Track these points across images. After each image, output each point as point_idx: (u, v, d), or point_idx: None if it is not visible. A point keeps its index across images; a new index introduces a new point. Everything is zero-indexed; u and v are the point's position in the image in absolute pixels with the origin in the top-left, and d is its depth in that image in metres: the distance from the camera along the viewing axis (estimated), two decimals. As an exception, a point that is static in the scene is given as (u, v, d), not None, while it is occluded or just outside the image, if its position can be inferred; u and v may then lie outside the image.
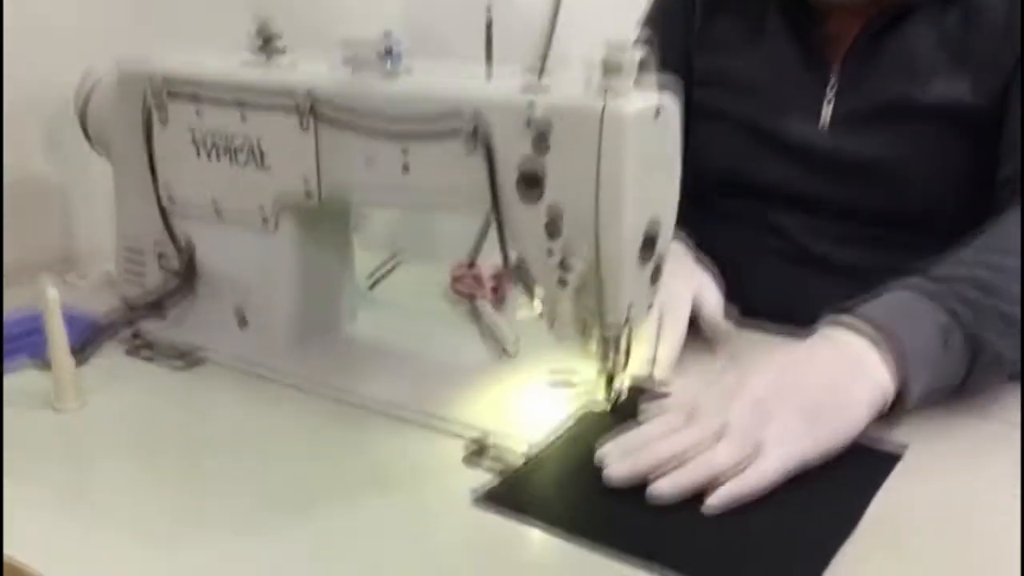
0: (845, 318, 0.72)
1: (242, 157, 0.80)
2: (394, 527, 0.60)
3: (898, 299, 0.74)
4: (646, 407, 0.70)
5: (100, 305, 0.90)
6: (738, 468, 0.62)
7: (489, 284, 0.82)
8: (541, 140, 0.65)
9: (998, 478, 0.65)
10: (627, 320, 0.68)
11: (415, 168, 0.72)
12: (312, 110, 0.75)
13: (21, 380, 0.77)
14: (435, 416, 0.71)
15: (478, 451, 0.67)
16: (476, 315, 0.79)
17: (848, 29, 0.95)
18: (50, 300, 0.72)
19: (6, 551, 0.57)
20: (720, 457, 0.62)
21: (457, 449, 0.68)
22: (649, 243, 0.67)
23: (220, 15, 0.87)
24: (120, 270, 0.93)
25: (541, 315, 0.70)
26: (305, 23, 1.20)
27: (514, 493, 0.62)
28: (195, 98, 0.81)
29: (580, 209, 0.65)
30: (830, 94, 0.96)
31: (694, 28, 1.05)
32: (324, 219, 0.82)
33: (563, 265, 0.66)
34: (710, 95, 1.04)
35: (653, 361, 0.77)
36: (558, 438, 0.69)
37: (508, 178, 0.67)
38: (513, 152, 0.66)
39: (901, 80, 0.93)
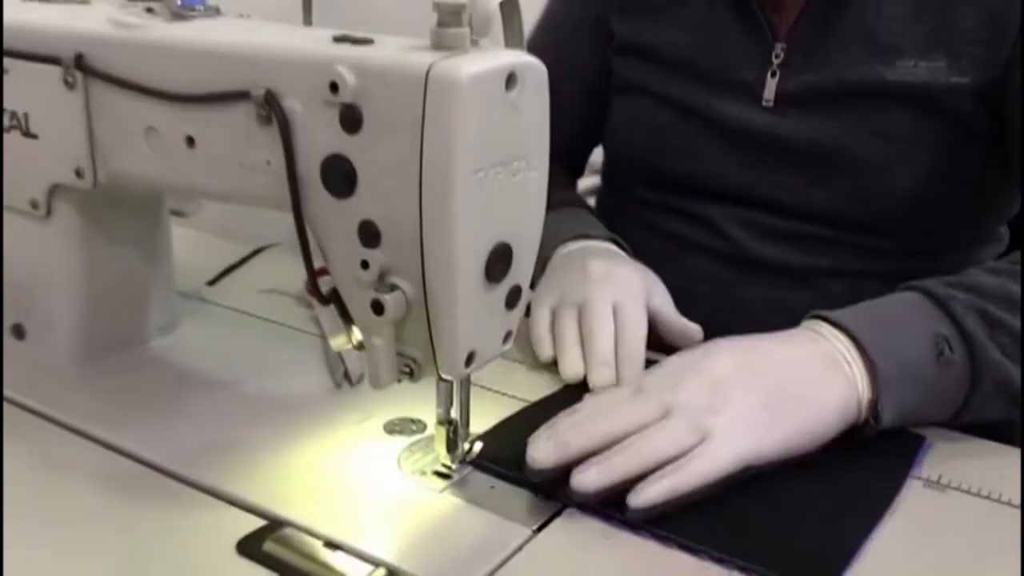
0: (832, 313, 0.63)
1: (5, 122, 0.62)
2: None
3: (894, 300, 0.65)
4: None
5: None
6: (679, 456, 0.53)
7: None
8: (351, 115, 0.47)
9: None
10: (470, 359, 0.50)
11: (202, 143, 0.54)
12: (80, 63, 0.57)
13: None
14: (216, 491, 0.54)
15: (257, 536, 0.49)
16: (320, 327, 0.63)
17: None
18: None
19: None
20: (659, 443, 0.54)
21: (237, 532, 0.50)
22: (501, 258, 0.49)
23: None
24: None
25: (358, 347, 0.52)
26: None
27: None
28: (-50, 44, 0.63)
29: (400, 210, 0.47)
30: (775, 66, 0.80)
31: None
32: (117, 205, 0.64)
33: (382, 284, 0.49)
34: (629, 65, 0.88)
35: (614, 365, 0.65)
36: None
37: (311, 162, 0.49)
38: (317, 128, 0.48)
39: (863, 53, 0.77)
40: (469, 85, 0.44)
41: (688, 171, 0.85)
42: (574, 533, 0.51)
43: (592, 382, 0.63)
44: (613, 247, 0.80)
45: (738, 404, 0.57)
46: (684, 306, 0.84)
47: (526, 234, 0.51)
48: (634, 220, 0.91)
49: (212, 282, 0.83)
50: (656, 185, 0.89)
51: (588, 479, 0.52)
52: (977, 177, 0.79)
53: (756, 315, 0.76)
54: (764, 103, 0.81)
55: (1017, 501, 0.55)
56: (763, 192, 0.83)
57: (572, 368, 0.65)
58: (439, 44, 0.46)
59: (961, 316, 0.62)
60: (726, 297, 0.85)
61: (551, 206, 0.80)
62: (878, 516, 0.53)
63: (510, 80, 0.47)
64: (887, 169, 0.78)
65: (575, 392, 0.63)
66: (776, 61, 0.80)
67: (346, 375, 0.65)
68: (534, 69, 0.48)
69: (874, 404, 0.60)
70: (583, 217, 0.86)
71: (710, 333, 0.69)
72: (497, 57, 0.47)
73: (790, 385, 0.59)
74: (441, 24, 0.46)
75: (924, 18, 0.76)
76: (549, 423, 0.56)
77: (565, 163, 0.97)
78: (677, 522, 0.51)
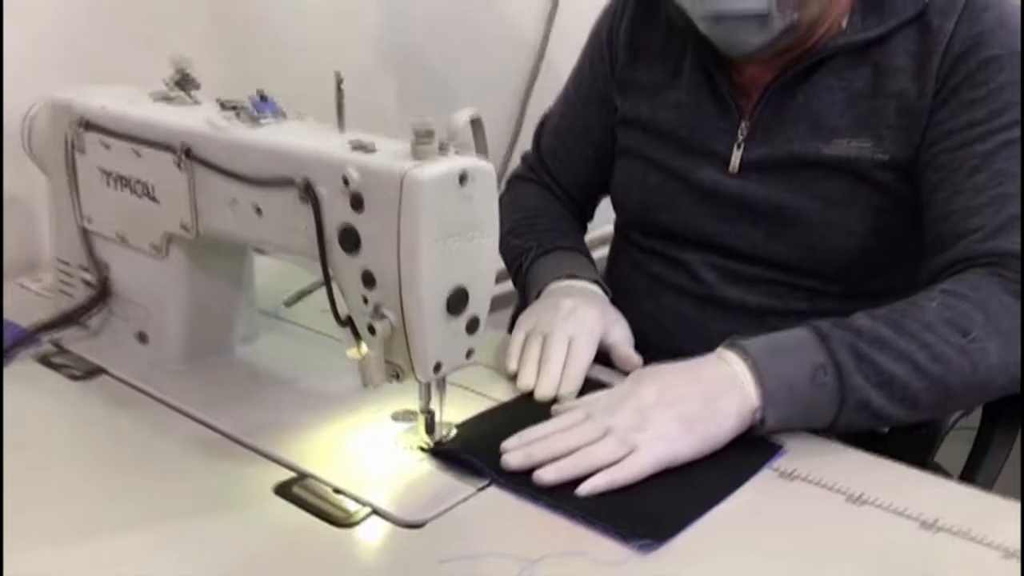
0: (739, 341, 0.81)
1: (139, 189, 0.87)
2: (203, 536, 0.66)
3: (792, 334, 0.81)
4: (557, 407, 0.83)
5: (43, 309, 0.99)
6: (614, 462, 0.72)
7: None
8: (357, 200, 0.70)
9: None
10: (438, 368, 0.72)
11: (266, 212, 0.77)
12: (188, 153, 0.81)
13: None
14: (264, 451, 0.77)
15: (288, 484, 0.73)
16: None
17: (760, 78, 0.98)
18: (-56, 316, 0.80)
19: None
20: (600, 453, 0.73)
21: (276, 479, 0.73)
22: (459, 298, 0.71)
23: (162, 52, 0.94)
24: (55, 281, 1.01)
25: (363, 357, 0.75)
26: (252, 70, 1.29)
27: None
28: (103, 134, 0.89)
29: (387, 266, 0.69)
30: (740, 139, 0.99)
31: (617, 70, 1.08)
32: (213, 248, 0.89)
33: (375, 314, 0.71)
34: (628, 136, 1.08)
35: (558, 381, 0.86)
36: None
37: (333, 230, 0.72)
38: (336, 207, 0.72)
39: (807, 132, 0.95)
40: (429, 185, 0.67)
41: (670, 222, 1.04)
42: (500, 496, 0.72)
43: (536, 393, 0.85)
44: (593, 287, 1.00)
45: (658, 423, 0.75)
46: (659, 335, 1.04)
47: (480, 280, 0.73)
48: (629, 261, 1.11)
49: (289, 303, 1.07)
50: (646, 233, 1.08)
51: (547, 476, 0.72)
52: (905, 234, 0.95)
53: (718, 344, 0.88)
54: (731, 170, 0.99)
55: (852, 493, 0.73)
56: (730, 242, 1.00)
57: (525, 382, 0.86)
58: (415, 155, 0.69)
59: (835, 349, 0.78)
60: (695, 331, 1.02)
61: (551, 250, 1.04)
62: (721, 496, 0.72)
63: (463, 178, 0.69)
64: (827, 227, 0.95)
65: (526, 400, 0.85)
66: (741, 136, 0.98)
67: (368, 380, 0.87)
68: (482, 169, 0.70)
69: (762, 413, 0.78)
70: (575, 260, 1.05)
71: (679, 358, 0.83)
72: (454, 162, 0.69)
73: (699, 403, 0.77)
74: (417, 141, 0.69)
75: (855, 106, 0.92)
76: (520, 434, 0.76)
77: (576, 210, 1.18)
78: (565, 495, 0.71)
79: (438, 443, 0.77)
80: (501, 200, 1.17)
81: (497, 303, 1.01)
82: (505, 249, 1.08)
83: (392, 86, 1.52)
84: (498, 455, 0.74)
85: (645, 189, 1.06)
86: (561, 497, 0.71)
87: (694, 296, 1.04)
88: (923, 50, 0.89)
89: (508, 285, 1.12)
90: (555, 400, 0.85)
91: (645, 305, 1.07)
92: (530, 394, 0.86)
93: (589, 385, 0.87)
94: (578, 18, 1.16)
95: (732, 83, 0.99)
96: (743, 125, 0.98)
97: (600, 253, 1.17)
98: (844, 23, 0.93)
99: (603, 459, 0.73)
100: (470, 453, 0.75)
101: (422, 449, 0.77)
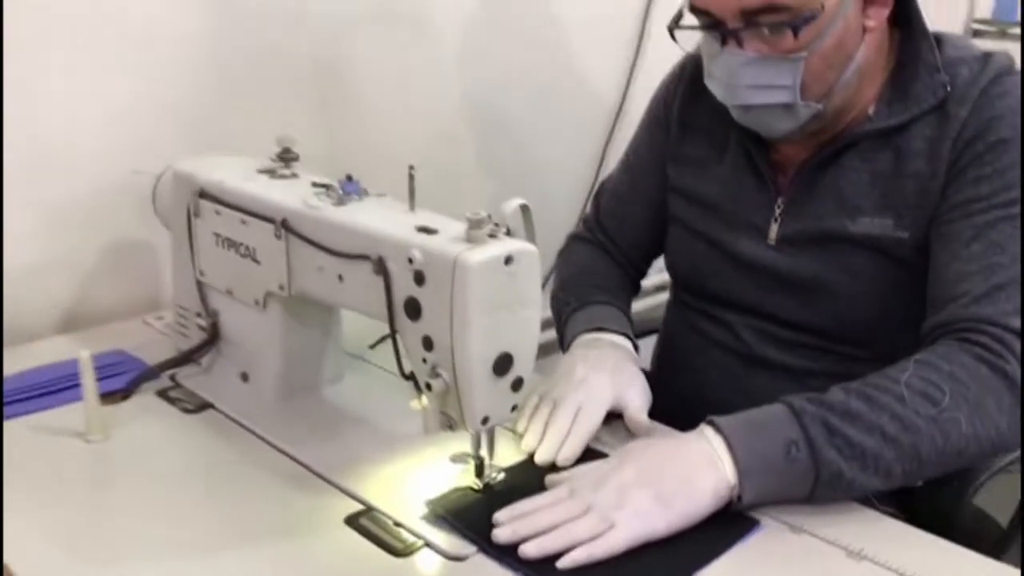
0: (717, 420, 0.87)
1: (244, 252, 1.02)
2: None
3: (768, 411, 0.87)
4: (550, 478, 0.89)
5: (161, 346, 1.16)
6: (593, 537, 0.79)
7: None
8: (419, 276, 0.82)
9: None
10: (485, 421, 0.84)
11: (348, 280, 0.91)
12: (285, 225, 0.95)
13: (70, 413, 1.02)
14: (340, 486, 0.90)
15: (357, 515, 0.85)
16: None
17: (795, 157, 1.06)
18: (83, 359, 0.96)
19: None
20: (579, 529, 0.80)
21: (347, 511, 0.86)
22: (504, 362, 0.82)
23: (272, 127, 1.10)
24: (174, 322, 1.17)
25: (424, 408, 0.87)
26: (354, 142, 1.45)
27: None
28: (217, 203, 1.03)
29: (443, 333, 0.82)
30: (777, 214, 1.07)
31: (670, 142, 1.17)
32: (305, 304, 1.03)
33: (432, 373, 0.83)
34: (677, 205, 1.17)
35: (559, 446, 0.93)
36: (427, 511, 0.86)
37: (400, 299, 0.85)
38: (403, 281, 0.84)
39: (835, 210, 1.02)
40: (477, 267, 0.78)
41: (715, 288, 1.13)
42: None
43: (536, 457, 0.93)
44: (618, 339, 1.08)
45: (636, 501, 0.81)
46: (708, 389, 1.13)
47: (523, 346, 0.84)
48: (681, 318, 1.20)
49: (372, 346, 1.20)
50: (694, 295, 1.17)
51: (530, 551, 0.78)
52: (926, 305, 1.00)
53: (759, 402, 0.90)
54: (769, 242, 1.07)
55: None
56: (768, 308, 1.08)
57: (528, 444, 0.95)
58: (468, 239, 0.80)
59: (807, 424, 0.83)
60: (740, 386, 1.10)
61: (587, 304, 1.13)
62: (695, 569, 0.78)
63: (508, 260, 0.80)
64: (855, 298, 1.02)
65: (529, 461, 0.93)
66: (778, 211, 1.06)
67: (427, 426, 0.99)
68: (526, 251, 0.81)
69: (740, 488, 0.83)
70: (606, 313, 1.13)
71: (721, 412, 0.89)
72: (501, 245, 0.80)
73: (676, 481, 0.82)
74: (471, 228, 0.80)
75: (878, 186, 1.00)
76: (510, 507, 0.82)
77: (630, 269, 1.27)
78: (547, 568, 0.77)
79: (486, 485, 0.89)
80: (558, 257, 1.29)
81: (551, 349, 1.12)
82: (553, 303, 1.18)
83: (473, 142, 1.65)
84: (491, 525, 0.82)
85: (692, 256, 1.15)
86: (543, 569, 0.78)
87: (738, 355, 1.12)
88: (939, 135, 0.96)
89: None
90: (554, 464, 0.92)
91: (696, 360, 1.15)
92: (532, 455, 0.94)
93: (589, 453, 0.94)
94: (657, 80, 1.25)
95: (771, 161, 1.07)
96: (779, 201, 1.06)
97: (659, 299, 1.26)
98: (871, 110, 1.00)
99: (582, 535, 0.79)
100: (467, 522, 0.83)
101: (472, 490, 0.88)
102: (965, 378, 0.86)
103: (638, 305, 1.30)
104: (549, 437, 0.94)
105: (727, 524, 0.83)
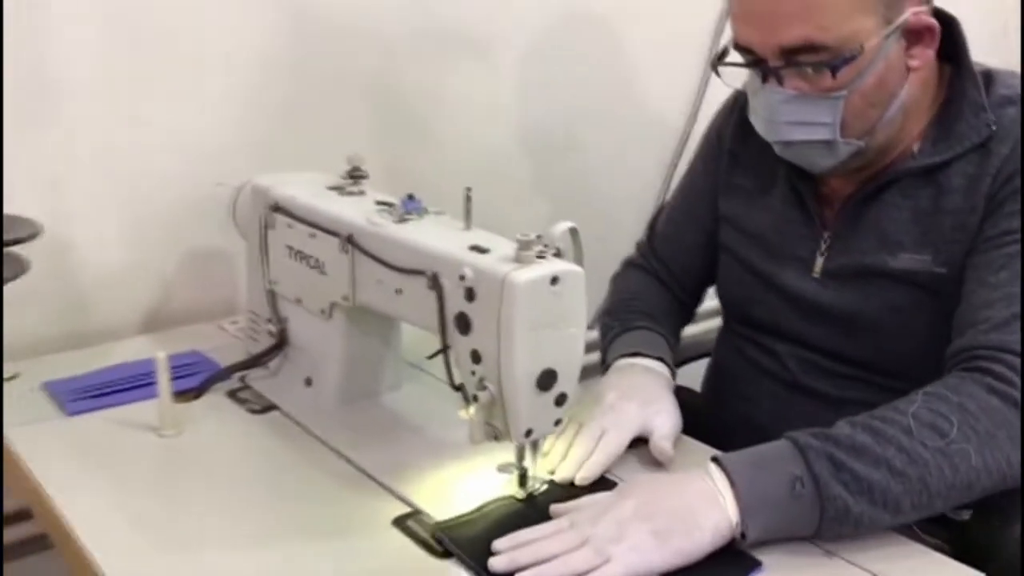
0: (722, 456, 0.87)
1: (312, 264, 1.08)
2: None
3: (773, 447, 0.87)
4: (555, 508, 0.90)
5: (233, 350, 1.23)
6: (589, 570, 0.79)
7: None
8: (470, 293, 0.87)
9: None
10: (529, 433, 0.88)
11: (406, 293, 0.96)
12: (350, 240, 1.01)
13: (146, 409, 1.09)
14: (391, 488, 0.95)
15: (404, 517, 0.90)
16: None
17: (841, 191, 1.08)
18: (159, 360, 1.03)
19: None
20: (575, 561, 0.80)
21: (395, 513, 0.91)
22: (548, 378, 0.87)
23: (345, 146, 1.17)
24: (246, 328, 1.24)
25: (472, 418, 0.91)
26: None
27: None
28: (289, 217, 1.10)
29: (490, 348, 0.86)
30: (822, 248, 1.09)
31: (721, 172, 1.20)
32: (368, 314, 1.08)
33: (479, 385, 0.88)
34: (727, 234, 1.20)
35: (580, 466, 0.96)
36: (469, 514, 0.90)
37: (452, 314, 0.90)
38: (455, 297, 0.89)
39: (877, 246, 1.04)
40: (523, 286, 0.83)
41: (761, 317, 1.15)
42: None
43: (556, 475, 0.94)
44: (654, 364, 1.10)
45: (634, 535, 0.81)
46: (756, 415, 1.15)
47: (568, 363, 0.88)
48: (731, 344, 1.22)
49: (430, 357, 1.24)
50: (742, 322, 1.19)
51: None
52: None
53: (802, 428, 0.90)
54: (813, 275, 1.09)
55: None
56: (812, 339, 1.10)
57: (550, 463, 0.96)
58: (517, 259, 0.85)
59: (812, 460, 0.83)
60: (785, 413, 1.11)
61: (629, 328, 1.15)
62: None
63: (554, 280, 0.84)
64: (894, 330, 1.04)
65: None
66: (824, 245, 1.08)
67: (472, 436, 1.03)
68: (572, 272, 0.85)
69: (743, 526, 0.82)
70: (645, 338, 1.15)
71: (767, 437, 0.89)
72: (548, 266, 0.84)
73: (675, 517, 0.82)
74: (520, 248, 0.85)
75: (919, 223, 1.01)
76: (511, 536, 0.83)
77: (682, 295, 1.29)
78: None
79: (529, 495, 0.93)
80: (611, 282, 1.32)
81: (596, 371, 1.15)
82: (600, 327, 1.22)
83: (531, 165, 1.68)
84: (490, 552, 0.83)
85: (740, 285, 1.18)
86: None
87: (783, 382, 1.14)
88: (979, 172, 0.97)
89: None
90: (572, 484, 0.94)
91: (745, 388, 1.18)
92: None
93: (603, 483, 0.95)
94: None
95: (817, 195, 1.09)
96: (825, 235, 1.08)
97: (712, 324, 1.29)
98: (916, 148, 1.02)
99: (578, 568, 0.79)
100: (467, 549, 0.84)
101: (517, 500, 0.92)
102: (974, 409, 0.85)
103: (692, 329, 1.33)
104: (570, 457, 0.96)
105: (727, 563, 0.83)
